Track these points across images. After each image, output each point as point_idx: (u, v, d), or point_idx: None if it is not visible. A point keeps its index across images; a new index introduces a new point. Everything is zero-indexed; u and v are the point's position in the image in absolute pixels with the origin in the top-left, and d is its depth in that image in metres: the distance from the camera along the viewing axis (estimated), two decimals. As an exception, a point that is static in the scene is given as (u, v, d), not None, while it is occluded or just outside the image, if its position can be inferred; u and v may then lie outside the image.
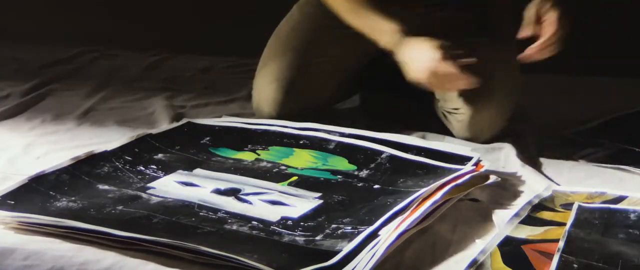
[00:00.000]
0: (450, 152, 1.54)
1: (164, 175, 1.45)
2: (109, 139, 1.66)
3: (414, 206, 1.27)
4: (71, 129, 1.79)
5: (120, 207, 1.30)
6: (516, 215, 1.29)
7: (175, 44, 2.55)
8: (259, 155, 1.57)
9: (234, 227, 1.24)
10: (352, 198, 1.37)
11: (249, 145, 1.61)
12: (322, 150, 1.58)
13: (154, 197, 1.35)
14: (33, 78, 2.15)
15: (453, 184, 1.35)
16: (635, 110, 1.89)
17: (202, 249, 1.14)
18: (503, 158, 1.60)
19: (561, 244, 1.18)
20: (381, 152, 1.54)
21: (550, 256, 1.15)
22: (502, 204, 1.37)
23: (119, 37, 2.61)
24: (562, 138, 1.73)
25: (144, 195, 1.36)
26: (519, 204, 1.35)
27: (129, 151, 1.54)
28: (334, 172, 1.48)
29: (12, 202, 1.30)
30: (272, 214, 1.29)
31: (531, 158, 1.61)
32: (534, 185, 1.46)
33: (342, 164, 1.52)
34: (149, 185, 1.40)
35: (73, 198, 1.33)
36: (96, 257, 1.17)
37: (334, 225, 1.25)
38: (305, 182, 1.43)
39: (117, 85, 2.14)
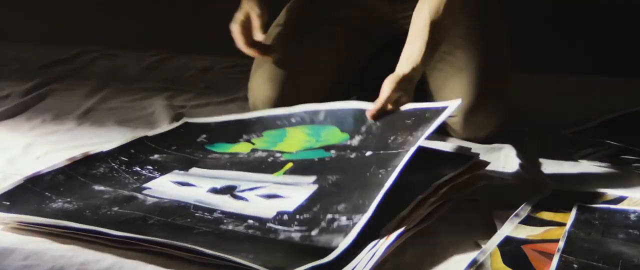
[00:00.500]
0: (450, 152, 1.54)
1: (160, 175, 1.44)
2: (109, 139, 1.66)
3: (414, 205, 1.26)
4: (71, 129, 1.79)
5: (115, 208, 1.29)
6: (516, 215, 1.29)
7: (175, 44, 2.55)
8: (254, 144, 1.55)
9: (230, 227, 1.23)
10: (345, 175, 1.35)
11: (244, 136, 1.59)
12: (313, 124, 1.55)
13: (149, 198, 1.34)
14: (33, 78, 2.15)
15: (452, 183, 1.35)
16: (635, 110, 1.89)
17: (196, 248, 1.14)
18: (503, 158, 1.60)
19: (561, 244, 1.18)
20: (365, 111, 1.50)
21: (550, 256, 1.15)
22: (502, 204, 1.37)
23: (119, 37, 2.61)
24: (562, 138, 1.73)
25: (139, 195, 1.35)
26: (519, 204, 1.35)
27: (125, 152, 1.53)
28: (328, 148, 1.46)
29: (8, 203, 1.30)
30: (268, 209, 1.28)
31: (531, 158, 1.61)
32: (534, 185, 1.46)
33: (334, 134, 1.50)
34: (145, 185, 1.39)
35: (69, 199, 1.33)
36: (96, 257, 1.16)
37: (329, 216, 1.23)
38: (300, 167, 1.41)
39: (117, 85, 2.14)
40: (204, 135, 1.62)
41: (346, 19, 1.80)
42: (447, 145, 1.61)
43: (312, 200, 1.30)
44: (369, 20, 1.80)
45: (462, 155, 1.51)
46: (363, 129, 1.48)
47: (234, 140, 1.59)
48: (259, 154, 1.51)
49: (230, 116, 1.70)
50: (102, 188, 1.38)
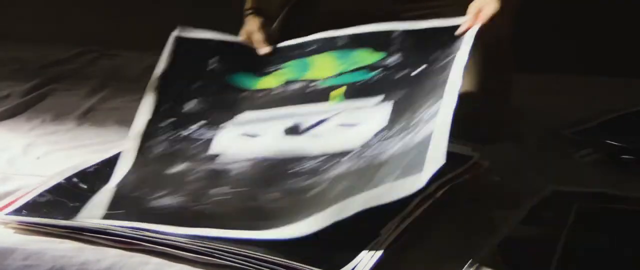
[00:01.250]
0: (450, 151, 1.54)
1: (212, 134, 1.35)
2: (109, 139, 1.66)
3: (415, 205, 1.26)
4: (71, 129, 1.79)
5: (224, 189, 1.21)
6: (516, 215, 1.29)
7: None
8: (283, 74, 1.41)
9: (336, 171, 1.15)
10: (413, 88, 1.26)
11: (263, 69, 1.45)
12: (336, 49, 1.42)
13: (232, 167, 1.25)
14: (33, 78, 2.15)
15: (452, 183, 1.35)
16: (635, 110, 1.89)
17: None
18: (503, 158, 1.60)
19: (561, 244, 1.18)
20: (392, 32, 1.41)
21: (550, 256, 1.15)
22: (502, 204, 1.37)
23: (119, 37, 2.61)
24: (562, 138, 1.73)
25: (218, 167, 1.26)
26: (519, 204, 1.35)
27: (161, 117, 1.42)
28: (370, 68, 1.35)
29: (123, 211, 1.21)
30: (360, 136, 1.21)
31: (531, 158, 1.61)
32: (533, 184, 1.46)
33: (367, 55, 1.38)
34: (211, 153, 1.30)
35: (164, 192, 1.23)
36: (96, 257, 1.16)
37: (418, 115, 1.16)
38: (355, 90, 1.30)
39: (117, 85, 2.14)
40: (213, 60, 1.48)
41: (346, 19, 1.80)
42: (447, 145, 1.61)
43: (396, 112, 1.22)
44: (369, 19, 1.80)
45: (462, 155, 1.51)
46: (394, 47, 1.38)
47: (256, 71, 1.44)
48: (296, 85, 1.38)
49: (233, 36, 1.54)
50: (176, 169, 1.29)
